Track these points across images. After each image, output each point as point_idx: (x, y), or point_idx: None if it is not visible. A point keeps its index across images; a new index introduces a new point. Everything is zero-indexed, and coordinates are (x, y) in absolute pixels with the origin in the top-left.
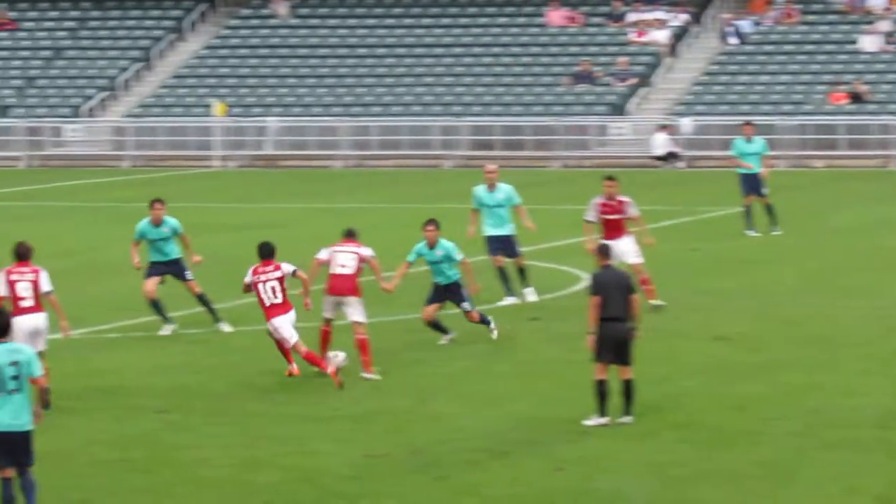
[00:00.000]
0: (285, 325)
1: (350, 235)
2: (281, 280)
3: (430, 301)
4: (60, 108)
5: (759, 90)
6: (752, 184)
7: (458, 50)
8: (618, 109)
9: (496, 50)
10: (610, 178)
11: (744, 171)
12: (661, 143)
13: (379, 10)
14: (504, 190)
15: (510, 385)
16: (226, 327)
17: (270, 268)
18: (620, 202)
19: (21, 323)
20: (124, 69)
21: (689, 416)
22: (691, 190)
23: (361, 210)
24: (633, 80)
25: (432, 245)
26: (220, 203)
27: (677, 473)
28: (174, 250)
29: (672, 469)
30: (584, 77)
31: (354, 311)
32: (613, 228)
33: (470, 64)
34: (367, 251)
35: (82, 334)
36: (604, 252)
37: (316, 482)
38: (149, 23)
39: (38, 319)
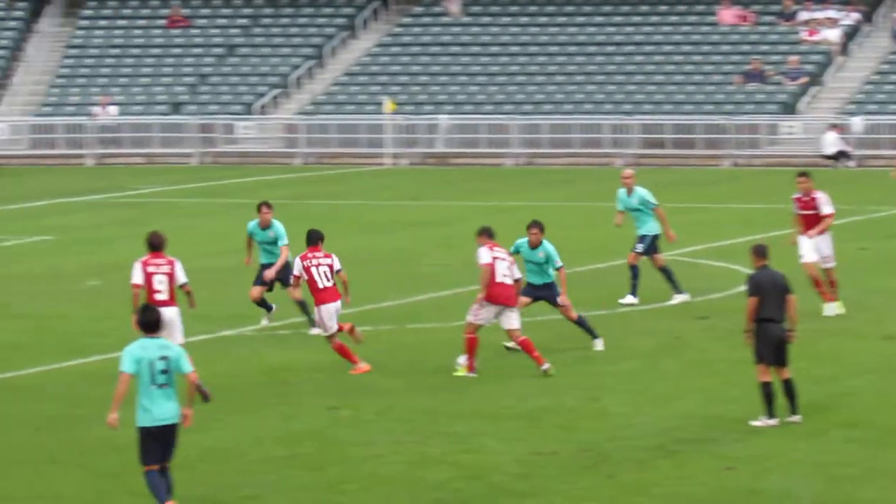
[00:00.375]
0: (332, 314)
1: (490, 235)
2: (331, 267)
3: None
4: (233, 105)
5: None
6: None
7: (629, 48)
8: (789, 108)
9: (667, 48)
10: (802, 175)
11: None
12: (831, 143)
13: (550, 8)
14: (639, 194)
15: (678, 384)
16: (315, 331)
17: (321, 254)
18: (813, 198)
19: None
20: (296, 67)
21: (858, 415)
22: (861, 189)
23: (531, 208)
24: (804, 79)
25: (534, 246)
26: (392, 201)
27: (845, 473)
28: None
29: (839, 469)
30: (755, 76)
31: (512, 319)
32: (809, 224)
33: (641, 62)
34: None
35: (254, 331)
36: (760, 253)
37: (485, 479)
38: (321, 20)
39: (171, 313)
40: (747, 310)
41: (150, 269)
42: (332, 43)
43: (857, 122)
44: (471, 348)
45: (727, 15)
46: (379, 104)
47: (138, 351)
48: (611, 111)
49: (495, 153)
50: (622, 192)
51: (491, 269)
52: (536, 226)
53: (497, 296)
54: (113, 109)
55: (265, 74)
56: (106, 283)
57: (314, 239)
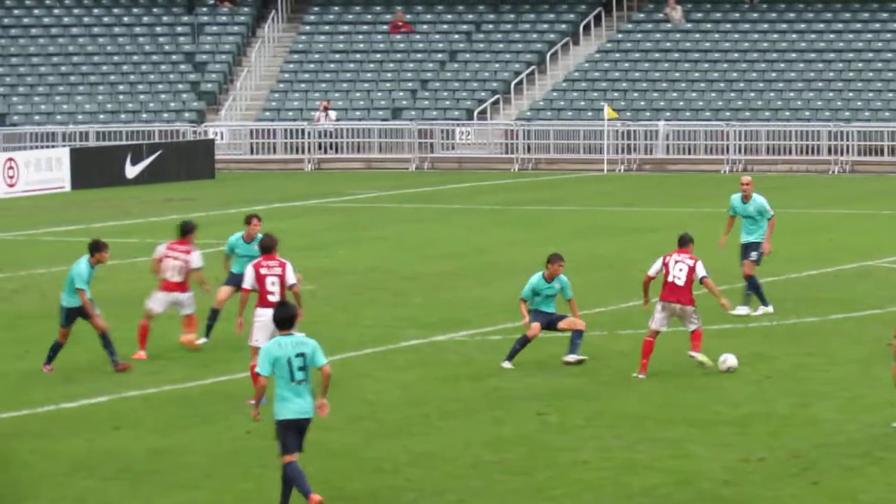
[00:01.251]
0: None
1: (684, 243)
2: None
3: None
4: (452, 111)
5: None
6: None
7: (849, 55)
8: None
9: (888, 55)
10: None
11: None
12: None
13: (771, 15)
14: (756, 202)
15: (890, 391)
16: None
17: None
18: None
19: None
20: (517, 73)
21: None
22: None
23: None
24: None
25: (550, 279)
26: (607, 206)
27: None
28: None
29: None
30: None
31: (693, 321)
32: None
33: (861, 69)
34: (700, 270)
35: (465, 336)
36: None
37: (692, 486)
38: (543, 26)
39: None
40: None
41: (263, 270)
42: (554, 49)
43: None
44: (646, 351)
45: None
46: (598, 110)
47: (275, 350)
48: (829, 118)
49: (713, 159)
50: (737, 197)
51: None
52: (558, 260)
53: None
54: (333, 115)
55: (486, 80)
56: (321, 288)
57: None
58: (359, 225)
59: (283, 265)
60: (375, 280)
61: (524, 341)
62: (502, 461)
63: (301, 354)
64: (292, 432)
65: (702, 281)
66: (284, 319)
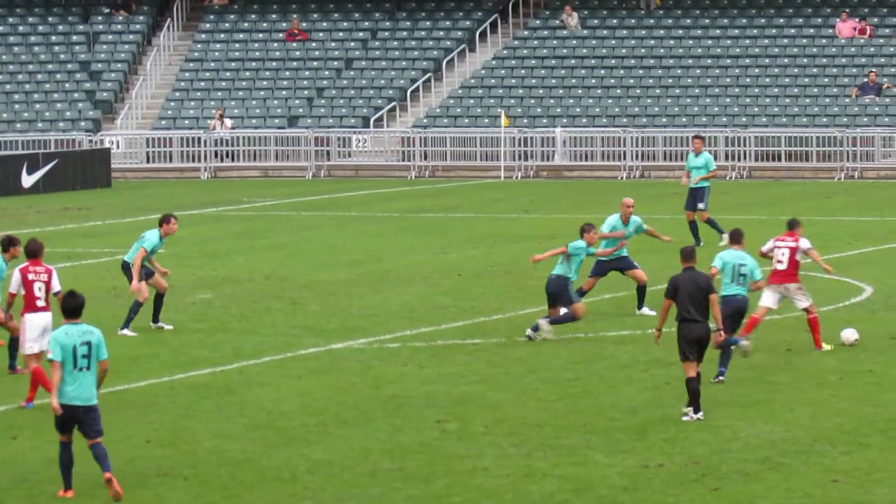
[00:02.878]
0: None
1: (791, 227)
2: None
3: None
4: (349, 118)
5: None
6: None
7: (745, 60)
8: None
9: (784, 61)
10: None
11: (692, 185)
12: None
13: (667, 21)
14: (635, 222)
15: (787, 396)
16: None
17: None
18: None
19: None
20: (413, 80)
21: None
22: None
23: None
24: None
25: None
26: (504, 213)
27: None
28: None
29: None
30: (872, 88)
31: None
32: None
33: (757, 75)
34: (804, 243)
35: (363, 344)
36: (685, 255)
37: (591, 492)
38: (439, 34)
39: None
40: (660, 310)
41: (31, 276)
42: (450, 56)
43: None
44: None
45: (845, 28)
46: (494, 117)
47: (62, 337)
48: (726, 123)
49: (610, 166)
50: (615, 218)
51: (760, 254)
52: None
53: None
54: (229, 122)
55: (382, 87)
56: (218, 297)
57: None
58: (255, 233)
59: (49, 272)
60: (272, 288)
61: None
62: (401, 469)
63: (86, 343)
64: (68, 417)
65: (807, 252)
66: (73, 308)
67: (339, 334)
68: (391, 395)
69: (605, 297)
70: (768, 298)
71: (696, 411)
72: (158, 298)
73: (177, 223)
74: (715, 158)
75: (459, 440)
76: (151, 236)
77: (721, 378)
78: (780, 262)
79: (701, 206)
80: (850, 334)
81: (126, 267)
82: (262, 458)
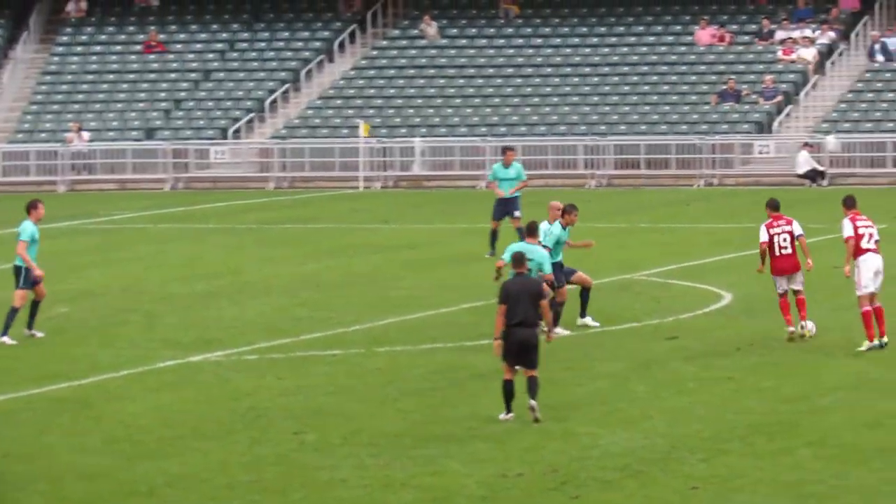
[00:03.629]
0: None
1: (775, 208)
2: None
3: None
4: (207, 130)
5: None
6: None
7: (605, 69)
8: (763, 127)
9: (643, 69)
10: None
11: (507, 195)
12: (803, 162)
13: (527, 30)
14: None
15: (647, 404)
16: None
17: None
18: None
19: None
20: (272, 91)
21: (825, 433)
22: (834, 208)
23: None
24: (779, 98)
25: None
26: (364, 224)
27: (811, 491)
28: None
29: (806, 487)
30: (731, 95)
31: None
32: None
33: (616, 83)
34: (797, 228)
35: (221, 356)
36: (517, 260)
37: (450, 502)
38: (297, 44)
39: None
40: (496, 316)
41: None
42: (308, 67)
43: (831, 141)
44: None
45: (704, 35)
46: (354, 127)
47: None
48: (585, 132)
49: (469, 175)
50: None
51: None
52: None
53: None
54: (86, 135)
55: (240, 99)
56: (75, 310)
57: None
58: (113, 246)
59: None
60: (130, 301)
61: (557, 306)
62: (259, 481)
63: None
64: None
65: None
66: None
67: (196, 347)
68: (249, 408)
69: (464, 306)
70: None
71: (508, 411)
72: (34, 305)
73: (43, 207)
74: (574, 167)
75: (317, 451)
76: (26, 226)
77: None
78: (783, 247)
79: (517, 213)
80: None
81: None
82: (120, 472)
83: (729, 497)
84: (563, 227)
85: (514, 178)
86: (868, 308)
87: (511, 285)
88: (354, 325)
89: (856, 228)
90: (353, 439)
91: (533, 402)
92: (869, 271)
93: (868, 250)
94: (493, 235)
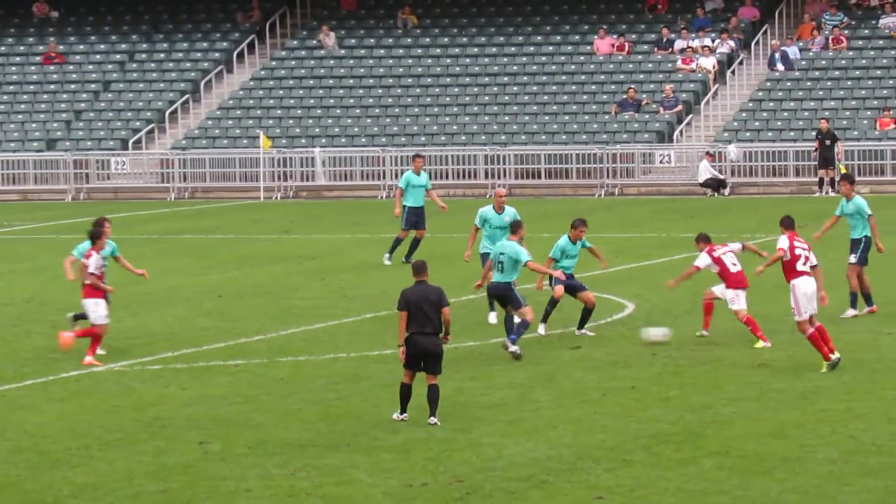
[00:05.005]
0: None
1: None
2: None
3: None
4: (108, 140)
5: (806, 116)
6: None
7: (504, 79)
8: (664, 137)
9: (543, 78)
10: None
11: (411, 204)
12: (704, 170)
13: (425, 40)
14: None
15: (551, 414)
16: None
17: None
18: None
19: None
20: (172, 101)
21: (729, 443)
22: (735, 217)
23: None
24: (680, 108)
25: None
26: (265, 234)
27: (716, 501)
28: None
29: (711, 497)
30: (631, 105)
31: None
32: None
33: (516, 93)
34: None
35: (124, 366)
36: (416, 269)
37: None
38: (197, 55)
39: None
40: (399, 323)
41: None
42: (207, 77)
43: (732, 150)
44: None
45: (603, 44)
46: (253, 138)
47: None
48: (485, 142)
49: (369, 185)
50: (488, 210)
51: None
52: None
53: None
54: None
55: (140, 110)
56: None
57: None
58: (15, 257)
59: None
60: (32, 312)
61: (554, 303)
62: (165, 491)
63: None
64: None
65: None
66: None
67: (100, 357)
68: (154, 417)
69: (366, 316)
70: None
71: (402, 412)
72: None
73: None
74: (475, 177)
75: (222, 461)
76: None
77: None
78: (735, 264)
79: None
80: (654, 333)
81: None
82: (25, 482)
83: None
84: (572, 242)
85: (424, 184)
86: (812, 331)
87: (410, 293)
88: (257, 335)
89: (792, 248)
90: (258, 449)
91: (432, 419)
92: (804, 296)
93: (803, 273)
94: (396, 243)
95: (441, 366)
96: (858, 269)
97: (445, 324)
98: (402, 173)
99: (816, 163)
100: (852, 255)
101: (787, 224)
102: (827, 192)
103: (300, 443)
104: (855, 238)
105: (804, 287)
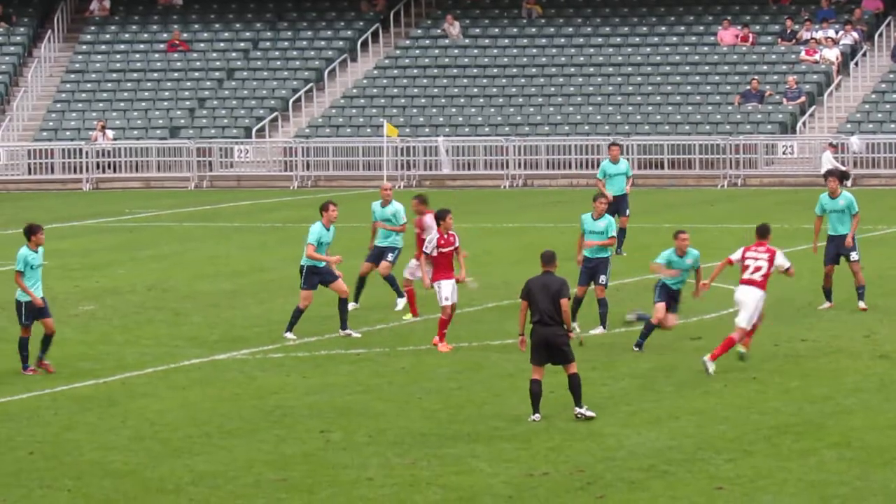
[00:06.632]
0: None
1: (762, 234)
2: None
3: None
4: (231, 129)
5: None
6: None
7: (627, 69)
8: (787, 128)
9: (666, 69)
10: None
11: (614, 193)
12: (826, 162)
13: (549, 30)
14: (394, 207)
15: (672, 404)
16: None
17: None
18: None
19: None
20: (295, 90)
21: (849, 434)
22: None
23: (529, 229)
24: (803, 99)
25: (682, 254)
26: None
27: (836, 492)
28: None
29: (830, 488)
30: (754, 95)
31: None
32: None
33: (639, 83)
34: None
35: (246, 354)
36: (545, 259)
37: (476, 502)
38: (321, 43)
39: None
40: (519, 313)
41: None
42: (331, 66)
43: (855, 142)
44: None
45: (727, 35)
46: (377, 126)
47: None
48: (608, 132)
49: (493, 175)
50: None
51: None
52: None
53: None
54: (110, 134)
55: (263, 98)
56: (101, 308)
57: None
58: (138, 244)
59: None
60: (155, 299)
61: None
62: (285, 479)
63: None
64: None
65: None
66: None
67: (222, 345)
68: (275, 406)
69: (489, 305)
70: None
71: (535, 412)
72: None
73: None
74: (596, 167)
75: (343, 450)
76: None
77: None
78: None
79: (627, 211)
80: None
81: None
82: (145, 470)
83: (754, 497)
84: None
85: (624, 172)
86: (735, 335)
87: (533, 283)
88: (379, 325)
89: (743, 258)
90: (378, 438)
91: (578, 410)
92: (737, 301)
93: (745, 282)
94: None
95: (572, 353)
96: (832, 268)
97: (563, 316)
98: (525, 163)
99: None
100: (854, 252)
101: (760, 233)
102: None
103: (421, 432)
104: (841, 235)
105: (739, 294)
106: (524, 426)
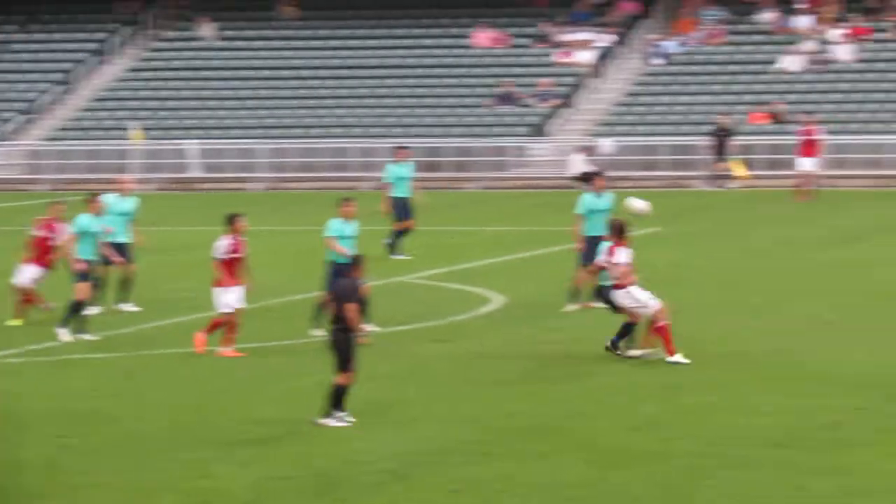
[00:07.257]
0: None
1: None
2: None
3: None
4: None
5: (680, 110)
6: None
7: (381, 71)
8: (538, 131)
9: (420, 71)
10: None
11: (397, 195)
12: (577, 165)
13: (305, 32)
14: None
15: (414, 407)
16: None
17: None
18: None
19: None
20: (44, 92)
21: (589, 436)
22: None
23: (278, 233)
24: (555, 101)
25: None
26: (136, 226)
27: (576, 494)
28: None
29: (570, 490)
30: (507, 98)
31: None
32: None
33: (393, 85)
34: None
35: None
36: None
37: None
38: (72, 45)
39: None
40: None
41: None
42: (83, 68)
43: (606, 144)
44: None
45: (482, 37)
46: (125, 129)
47: None
48: (360, 135)
49: (243, 177)
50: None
51: None
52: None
53: None
54: None
55: (12, 100)
56: None
57: None
58: None
59: None
60: None
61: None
62: (18, 485)
63: None
64: None
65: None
66: None
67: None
68: (12, 411)
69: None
70: None
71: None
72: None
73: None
74: (348, 170)
75: (79, 456)
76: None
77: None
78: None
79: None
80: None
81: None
82: None
83: (493, 499)
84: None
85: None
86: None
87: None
88: (124, 328)
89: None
90: (115, 443)
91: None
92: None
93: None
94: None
95: (343, 363)
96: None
97: (349, 320)
98: (276, 166)
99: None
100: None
101: (616, 230)
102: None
103: (163, 437)
104: (598, 235)
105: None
106: (265, 430)
